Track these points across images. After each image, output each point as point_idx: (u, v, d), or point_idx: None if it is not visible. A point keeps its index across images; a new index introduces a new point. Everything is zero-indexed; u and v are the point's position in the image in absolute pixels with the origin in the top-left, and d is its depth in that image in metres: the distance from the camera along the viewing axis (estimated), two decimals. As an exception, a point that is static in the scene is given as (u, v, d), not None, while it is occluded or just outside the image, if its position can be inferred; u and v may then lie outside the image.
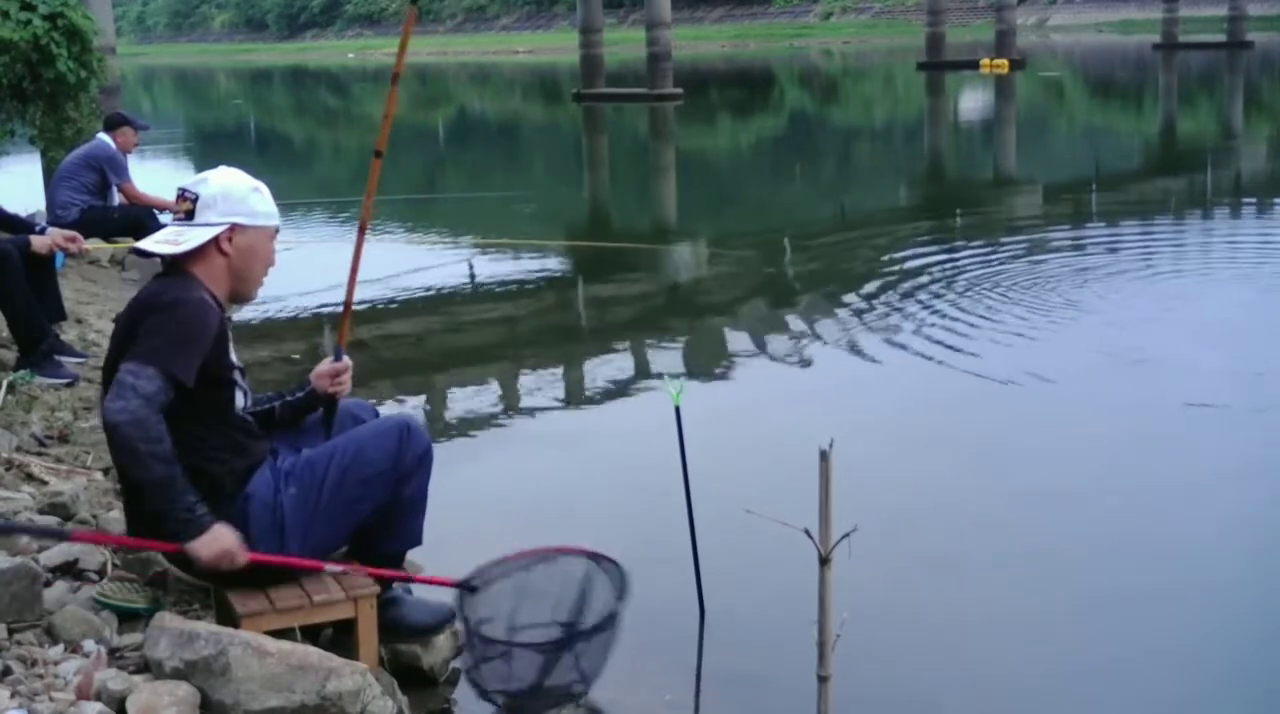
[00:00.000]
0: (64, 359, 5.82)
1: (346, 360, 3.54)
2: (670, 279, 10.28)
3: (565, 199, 16.98)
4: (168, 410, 2.95)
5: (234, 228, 3.15)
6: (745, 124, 28.91)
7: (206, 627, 2.90)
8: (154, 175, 15.19)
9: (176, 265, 3.17)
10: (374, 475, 3.19)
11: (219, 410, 3.13)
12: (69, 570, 3.44)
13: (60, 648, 3.00)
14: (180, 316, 3.00)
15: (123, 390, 2.86)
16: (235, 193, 3.18)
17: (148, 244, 3.18)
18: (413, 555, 3.62)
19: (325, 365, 3.51)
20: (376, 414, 3.53)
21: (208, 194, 3.16)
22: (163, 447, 2.89)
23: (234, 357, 3.22)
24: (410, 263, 10.42)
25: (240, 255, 3.17)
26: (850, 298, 8.54)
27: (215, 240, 3.14)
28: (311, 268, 9.47)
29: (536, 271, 10.39)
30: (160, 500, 2.93)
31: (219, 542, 2.98)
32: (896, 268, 9.65)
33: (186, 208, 3.16)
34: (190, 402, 3.00)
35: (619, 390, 6.67)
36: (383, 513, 3.24)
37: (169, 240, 3.14)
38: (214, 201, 3.15)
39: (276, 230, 3.28)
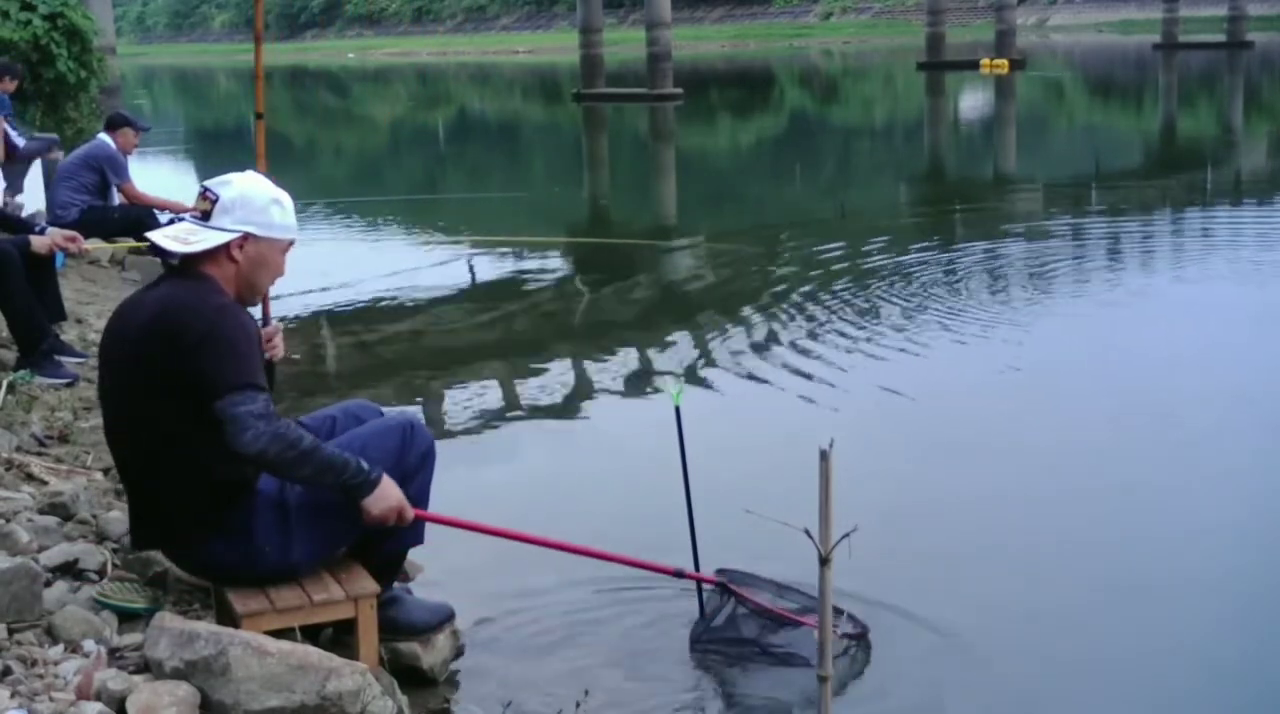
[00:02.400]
0: (64, 359, 5.82)
1: (275, 324, 3.65)
2: (670, 279, 10.27)
3: (565, 198, 16.99)
4: (199, 416, 2.98)
5: (247, 236, 3.13)
6: (745, 124, 28.90)
7: (206, 627, 2.90)
8: (154, 175, 15.20)
9: (189, 266, 3.15)
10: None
11: None
12: (69, 570, 3.44)
13: (60, 648, 2.99)
14: (231, 329, 3.01)
15: (243, 422, 2.92)
16: (255, 201, 3.15)
17: (159, 238, 3.18)
18: (412, 555, 3.62)
19: None
20: (380, 414, 3.53)
21: (227, 198, 3.13)
22: (306, 440, 2.99)
23: None
24: (410, 263, 10.42)
25: (249, 264, 3.15)
26: (851, 297, 8.55)
27: (227, 246, 3.12)
28: (310, 267, 9.45)
29: (536, 271, 10.39)
30: (329, 478, 3.03)
31: (388, 499, 3.09)
32: (897, 268, 9.65)
33: (204, 207, 3.14)
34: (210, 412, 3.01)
35: (619, 390, 6.67)
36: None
37: (181, 238, 3.13)
38: (232, 206, 3.13)
39: (291, 243, 3.26)
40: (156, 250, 3.17)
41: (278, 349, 3.58)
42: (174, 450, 3.04)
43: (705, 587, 3.77)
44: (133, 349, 3.05)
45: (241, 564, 3.13)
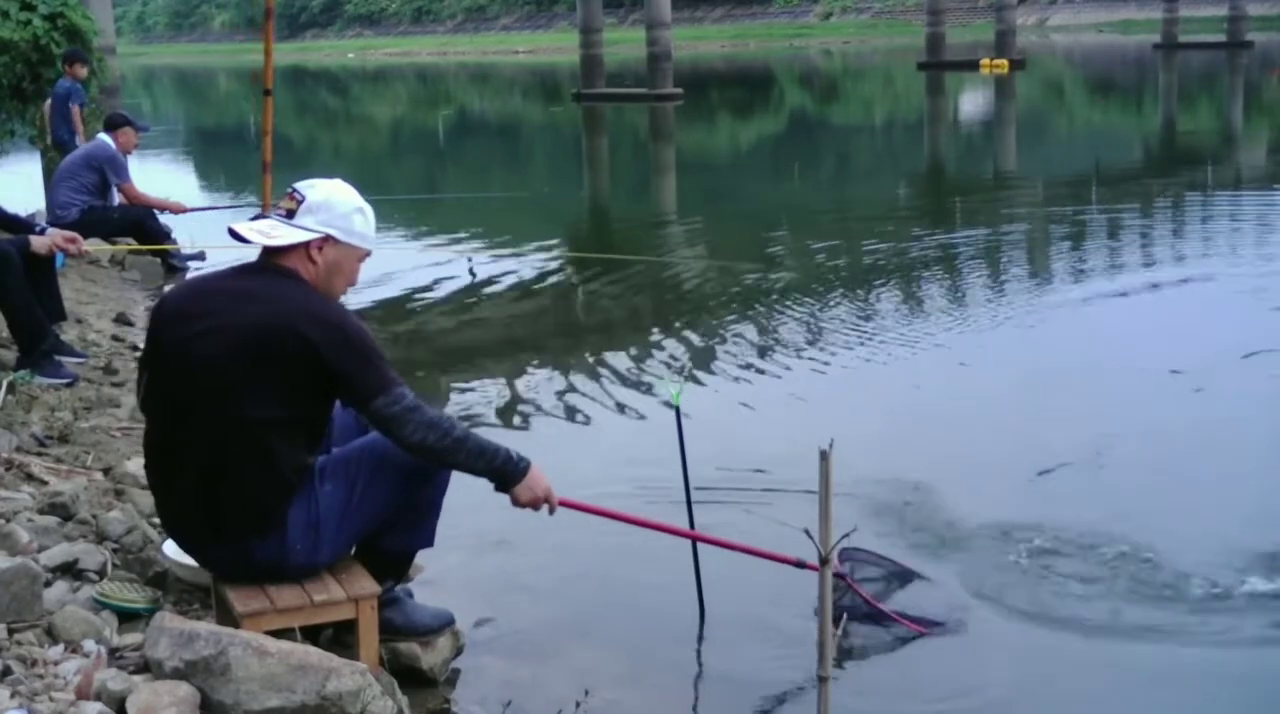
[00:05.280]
0: (64, 359, 5.82)
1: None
2: (670, 280, 10.26)
3: (565, 198, 16.99)
4: (293, 414, 3.06)
5: (327, 238, 3.16)
6: (745, 124, 28.91)
7: (206, 627, 2.90)
8: (154, 176, 15.20)
9: (274, 264, 3.17)
10: (403, 474, 3.22)
11: (328, 416, 3.24)
12: (69, 570, 3.44)
13: (60, 648, 3.00)
14: (363, 332, 3.11)
15: (402, 419, 3.05)
16: (339, 207, 3.19)
17: (242, 228, 3.20)
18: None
19: None
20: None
21: (313, 199, 3.17)
22: (458, 427, 3.16)
23: None
24: (410, 263, 10.41)
25: (326, 267, 3.18)
26: (850, 296, 8.56)
27: (306, 246, 3.15)
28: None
29: (537, 272, 10.39)
30: (481, 465, 3.18)
31: (536, 488, 3.24)
32: (897, 267, 9.67)
33: (290, 206, 3.18)
34: (315, 410, 3.12)
35: (619, 390, 6.66)
36: (400, 512, 3.26)
37: (264, 232, 3.17)
38: (317, 208, 3.16)
39: (368, 253, 3.29)
40: (237, 238, 3.19)
41: None
42: (254, 447, 3.04)
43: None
44: (234, 347, 3.02)
45: (273, 562, 3.14)
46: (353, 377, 3.05)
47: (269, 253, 3.18)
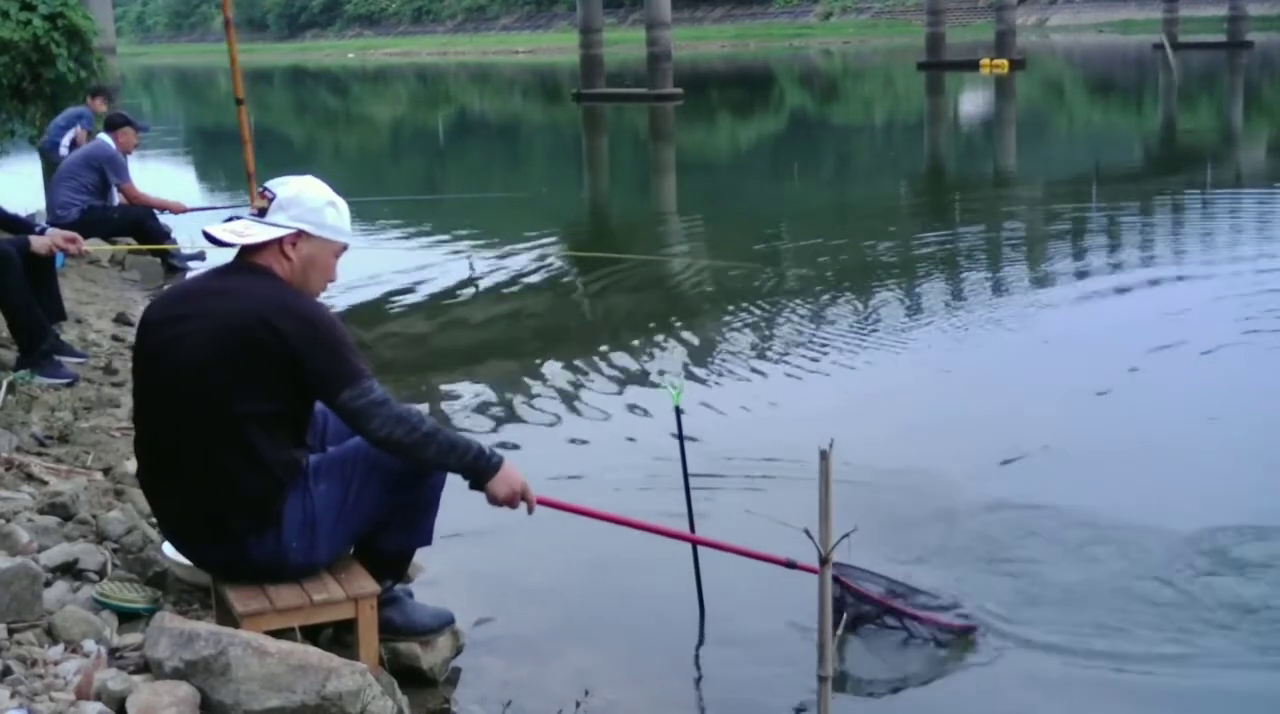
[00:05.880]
0: (64, 359, 5.82)
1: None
2: (669, 280, 10.28)
3: (565, 198, 17.00)
4: (277, 410, 3.08)
5: (300, 234, 3.17)
6: (745, 124, 28.89)
7: (206, 627, 2.90)
8: (154, 176, 15.19)
9: (250, 262, 3.18)
10: (399, 474, 3.22)
11: (308, 411, 3.24)
12: (69, 570, 3.44)
13: (60, 648, 3.00)
14: (334, 326, 3.12)
15: (368, 412, 3.04)
16: (310, 202, 3.20)
17: (216, 230, 3.22)
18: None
19: None
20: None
21: (284, 196, 3.19)
22: (427, 422, 3.12)
23: None
24: (410, 263, 10.43)
25: (301, 263, 3.19)
26: (850, 296, 8.56)
27: (280, 242, 3.17)
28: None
29: (536, 272, 10.38)
30: (452, 460, 3.16)
31: (512, 482, 3.22)
32: (897, 267, 9.67)
33: (262, 204, 3.20)
34: (294, 403, 3.12)
35: (618, 390, 6.66)
36: (396, 511, 3.27)
37: (237, 231, 3.19)
38: (288, 204, 3.18)
39: (344, 248, 3.30)
40: (211, 240, 3.20)
41: None
42: (238, 444, 3.05)
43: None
44: (211, 345, 3.04)
45: (270, 561, 3.14)
46: (320, 369, 3.05)
47: (245, 252, 3.20)
